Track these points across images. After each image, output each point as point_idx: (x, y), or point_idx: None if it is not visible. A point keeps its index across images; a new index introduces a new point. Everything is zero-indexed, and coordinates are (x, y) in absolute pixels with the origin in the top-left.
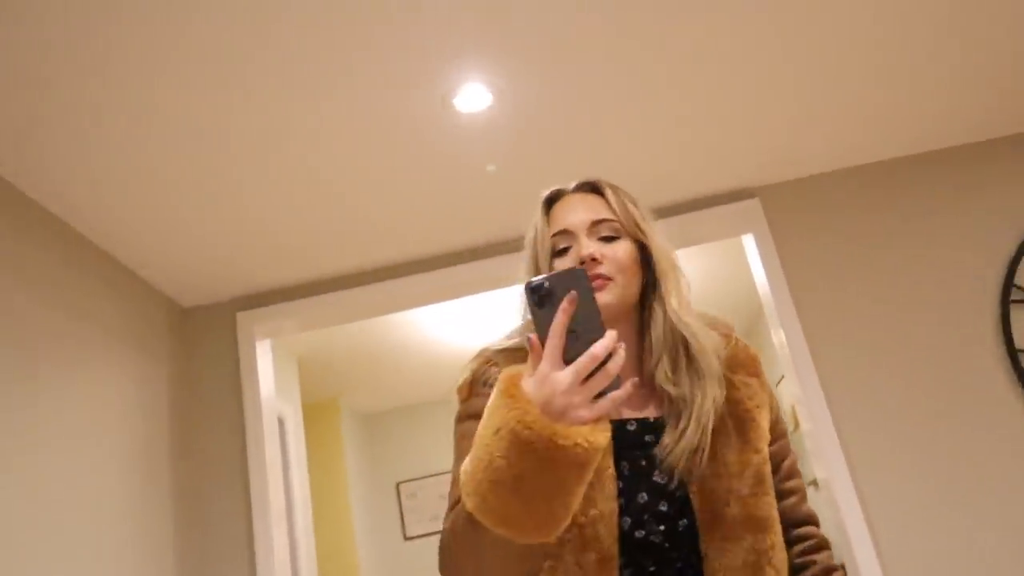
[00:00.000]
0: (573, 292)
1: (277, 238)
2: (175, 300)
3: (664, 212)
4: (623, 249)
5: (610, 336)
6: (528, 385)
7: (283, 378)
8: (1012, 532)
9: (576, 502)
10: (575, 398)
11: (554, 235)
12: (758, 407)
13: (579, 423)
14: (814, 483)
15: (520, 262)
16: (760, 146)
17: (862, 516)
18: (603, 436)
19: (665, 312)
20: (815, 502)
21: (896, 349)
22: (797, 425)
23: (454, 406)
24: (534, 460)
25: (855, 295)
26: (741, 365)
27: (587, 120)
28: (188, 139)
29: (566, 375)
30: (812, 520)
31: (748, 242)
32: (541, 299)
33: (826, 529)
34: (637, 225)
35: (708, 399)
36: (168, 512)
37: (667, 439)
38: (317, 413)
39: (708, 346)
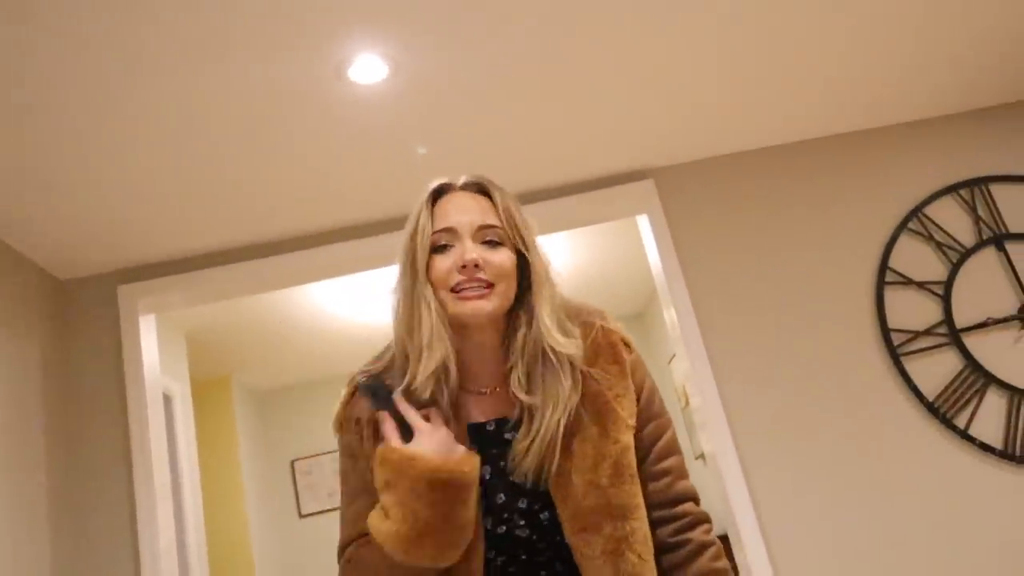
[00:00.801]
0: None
1: (162, 208)
2: (50, 272)
3: (561, 192)
4: (505, 257)
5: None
6: (417, 446)
7: (170, 355)
8: (885, 497)
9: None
10: (446, 438)
11: (437, 231)
12: (617, 396)
13: (460, 452)
14: (702, 456)
15: (398, 259)
16: (655, 128)
17: (745, 487)
18: (475, 458)
19: (531, 323)
20: (702, 475)
21: (780, 328)
22: (687, 402)
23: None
24: (452, 492)
25: (743, 275)
26: (600, 355)
27: (484, 96)
28: (65, 102)
29: (436, 427)
30: (689, 496)
31: (643, 222)
32: (374, 392)
33: (711, 500)
34: (519, 234)
35: (558, 411)
36: (43, 494)
37: (517, 447)
38: (208, 390)
39: (565, 356)
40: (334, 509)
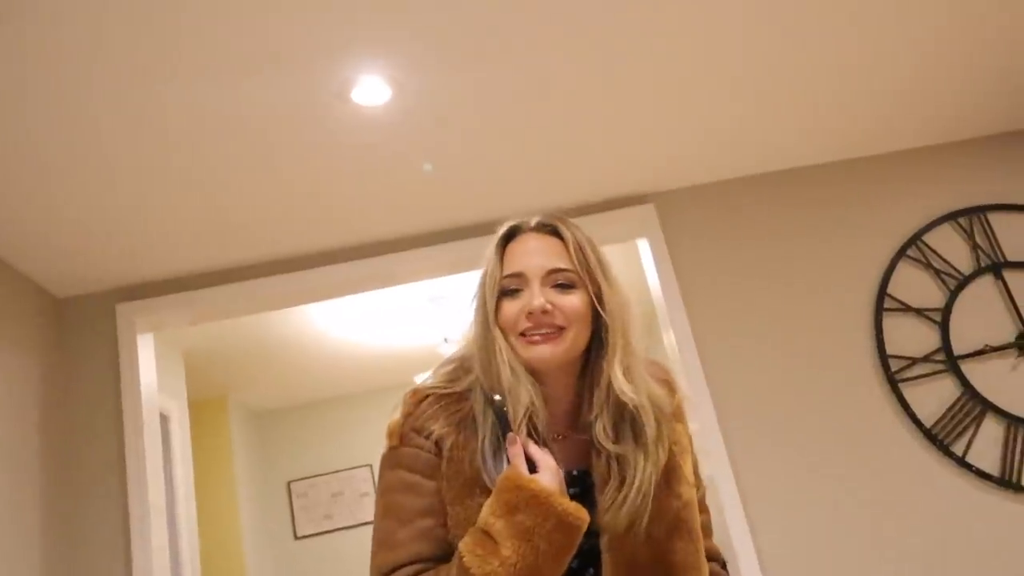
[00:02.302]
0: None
1: (162, 226)
2: (48, 290)
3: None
4: (577, 300)
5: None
6: (545, 479)
7: (167, 374)
8: (883, 523)
9: None
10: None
11: (506, 276)
12: (682, 452)
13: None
14: None
15: (472, 299)
16: (655, 153)
17: (743, 512)
18: (583, 509)
19: (610, 374)
20: None
21: (779, 353)
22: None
23: (347, 404)
24: (574, 539)
25: (743, 300)
26: (672, 412)
27: (487, 120)
28: (64, 118)
29: (556, 472)
30: (715, 556)
31: (643, 246)
32: (504, 414)
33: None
34: (592, 276)
35: (650, 465)
36: (37, 511)
37: (607, 498)
38: (205, 410)
39: (651, 410)
40: (331, 531)
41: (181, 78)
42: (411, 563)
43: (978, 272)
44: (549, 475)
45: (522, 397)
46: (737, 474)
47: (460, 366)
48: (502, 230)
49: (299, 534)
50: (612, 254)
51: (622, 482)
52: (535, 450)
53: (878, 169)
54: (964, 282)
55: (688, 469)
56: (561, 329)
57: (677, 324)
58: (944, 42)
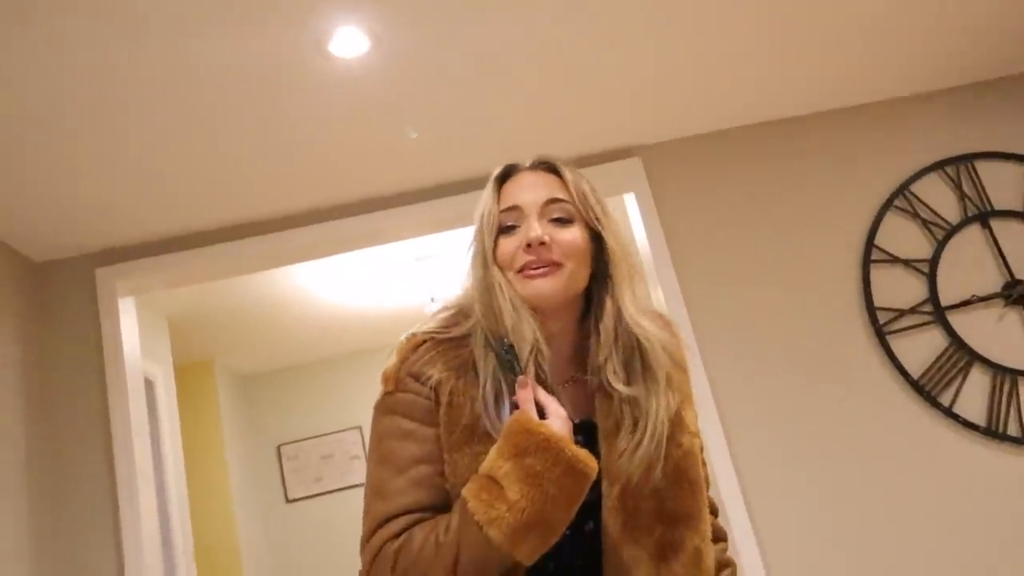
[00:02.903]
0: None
1: (142, 188)
2: (25, 255)
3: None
4: (575, 234)
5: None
6: (556, 425)
7: (151, 338)
8: (870, 474)
9: None
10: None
11: (503, 211)
12: (684, 400)
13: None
14: None
15: (469, 243)
16: (641, 106)
17: (730, 462)
18: (593, 458)
19: (619, 309)
20: None
21: (767, 305)
22: None
23: (335, 366)
24: (584, 487)
25: (730, 254)
26: (675, 360)
27: (469, 72)
28: (39, 78)
29: (566, 419)
30: (712, 509)
31: (630, 201)
32: (513, 356)
33: None
34: (591, 210)
35: (663, 407)
36: (22, 480)
37: (620, 443)
38: (191, 375)
39: (662, 350)
40: (321, 494)
41: (154, 34)
42: (408, 512)
43: (965, 222)
44: (559, 422)
45: (526, 334)
46: (724, 422)
47: (459, 311)
48: (498, 170)
49: (290, 497)
50: None
51: (634, 426)
52: (544, 395)
53: (865, 118)
54: (951, 232)
55: (691, 418)
56: (559, 265)
57: (665, 279)
58: None
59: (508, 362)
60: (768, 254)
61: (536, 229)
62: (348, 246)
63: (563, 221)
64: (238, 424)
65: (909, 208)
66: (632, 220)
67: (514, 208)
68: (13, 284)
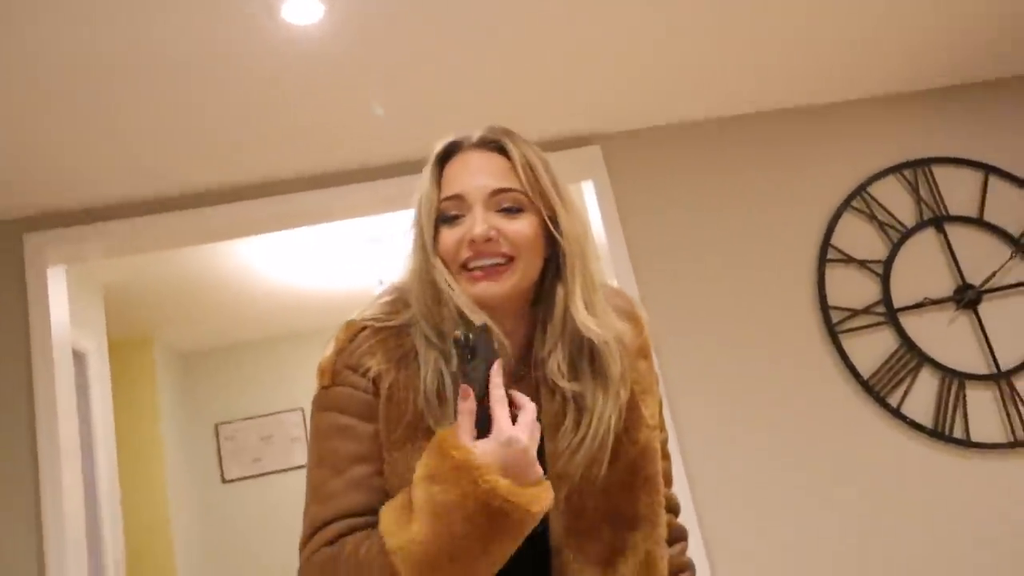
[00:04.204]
0: (499, 361)
1: (79, 151)
2: None
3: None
4: (524, 225)
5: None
6: (486, 449)
7: (84, 310)
8: (817, 471)
9: None
10: (530, 453)
11: (445, 199)
12: (643, 392)
13: (535, 477)
14: None
15: (409, 227)
16: (603, 93)
17: (678, 455)
18: (551, 492)
19: (567, 305)
20: None
21: (721, 299)
22: None
23: (279, 345)
24: (507, 527)
25: (687, 246)
26: (636, 348)
27: (427, 44)
28: None
29: (523, 435)
30: (673, 507)
31: (587, 188)
32: (466, 356)
33: None
34: (545, 196)
35: (610, 405)
36: None
37: (561, 442)
38: (128, 349)
39: (615, 346)
40: (259, 475)
41: (107, 1)
42: (344, 517)
43: (921, 225)
44: (523, 434)
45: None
46: (674, 418)
47: (399, 297)
48: (439, 147)
49: (227, 477)
50: None
51: (577, 425)
52: (519, 396)
53: (827, 118)
54: (907, 234)
55: (651, 411)
56: (509, 260)
57: (620, 268)
58: None
59: (450, 356)
60: (724, 247)
61: (481, 224)
62: (296, 222)
63: (512, 211)
64: (175, 402)
65: (866, 209)
66: (589, 208)
67: (456, 197)
68: None
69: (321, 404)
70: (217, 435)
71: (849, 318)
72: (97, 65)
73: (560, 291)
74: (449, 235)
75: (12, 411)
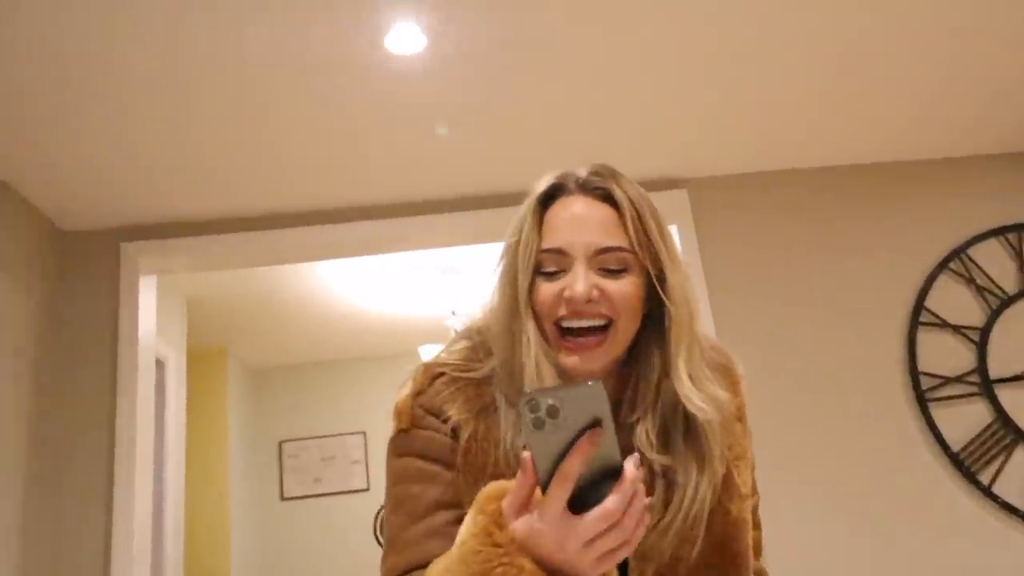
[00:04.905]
0: (597, 428)
1: (178, 166)
2: (53, 221)
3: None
4: (628, 286)
5: (631, 484)
6: (522, 527)
7: (168, 319)
8: (899, 546)
9: None
10: (580, 558)
11: (545, 250)
12: (737, 458)
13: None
14: None
15: (496, 266)
16: (694, 138)
17: None
18: None
19: (666, 372)
20: None
21: (803, 358)
22: None
23: (347, 368)
24: None
25: (770, 299)
26: (733, 409)
27: (523, 81)
28: (87, 52)
29: (574, 530)
30: None
31: (672, 233)
32: (540, 419)
33: None
34: (654, 254)
35: (704, 484)
36: (21, 445)
37: (649, 521)
38: (203, 360)
39: (716, 419)
40: (318, 495)
41: (206, 18)
42: (420, 566)
43: (1023, 293)
44: (530, 528)
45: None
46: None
47: (481, 342)
48: (541, 187)
49: (286, 495)
50: None
51: (666, 502)
52: (554, 490)
53: (926, 174)
54: (1007, 302)
55: (744, 478)
56: (607, 324)
57: (701, 317)
58: (1013, 47)
59: (537, 418)
60: (809, 303)
61: (583, 282)
62: (375, 248)
63: (617, 272)
64: (243, 415)
65: (964, 272)
66: None
67: (558, 251)
68: (39, 249)
69: (398, 448)
70: (280, 452)
71: (940, 386)
72: (196, 83)
73: (657, 354)
74: (547, 289)
75: (95, 412)
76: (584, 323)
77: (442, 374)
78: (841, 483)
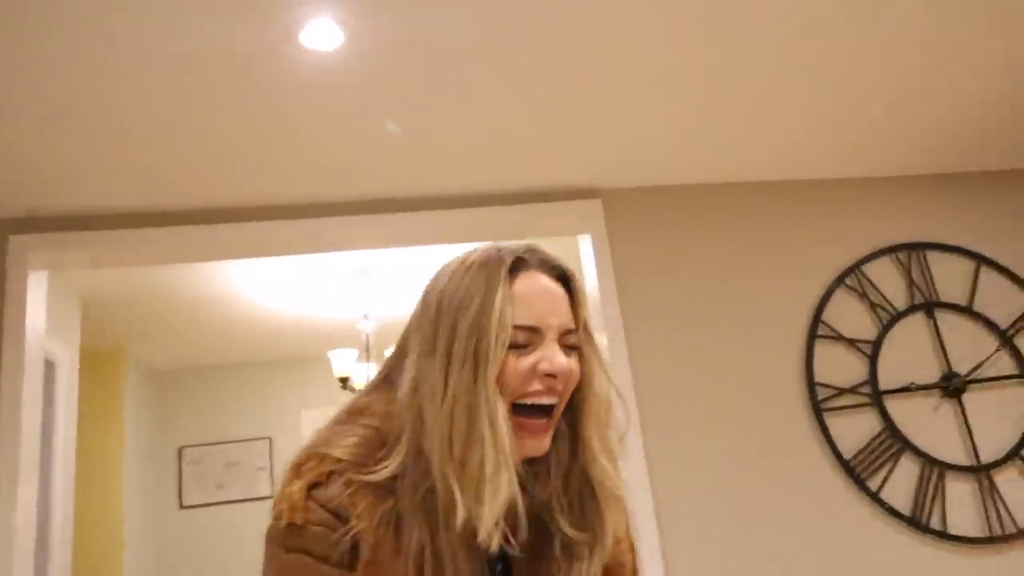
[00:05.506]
0: None
1: (76, 156)
2: None
3: (505, 199)
4: (575, 365)
5: None
6: None
7: (60, 318)
8: (790, 548)
9: None
10: None
11: (518, 326)
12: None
13: None
14: None
15: (427, 341)
16: (610, 147)
17: (654, 522)
18: None
19: (577, 445)
20: None
21: (708, 366)
22: None
23: (253, 371)
24: None
25: (680, 309)
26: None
27: (441, 83)
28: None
29: None
30: None
31: (584, 242)
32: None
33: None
34: (590, 338)
35: (598, 558)
36: None
37: None
38: (99, 362)
39: (614, 500)
40: (220, 503)
41: (109, 4)
42: None
43: (911, 308)
44: None
45: (503, 491)
46: (653, 484)
47: (373, 437)
48: (508, 260)
49: (185, 503)
50: (549, 247)
51: (568, 566)
52: None
53: (829, 193)
54: (897, 317)
55: (620, 526)
56: (558, 402)
57: (611, 325)
58: (907, 80)
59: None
60: (716, 313)
61: (562, 358)
62: (285, 249)
63: (570, 351)
64: (142, 420)
65: (859, 287)
66: (584, 262)
67: (532, 329)
68: None
69: (288, 542)
70: (180, 458)
71: (835, 396)
72: (100, 73)
73: (567, 430)
74: (522, 362)
75: None
76: (545, 401)
77: (336, 472)
78: (739, 488)
